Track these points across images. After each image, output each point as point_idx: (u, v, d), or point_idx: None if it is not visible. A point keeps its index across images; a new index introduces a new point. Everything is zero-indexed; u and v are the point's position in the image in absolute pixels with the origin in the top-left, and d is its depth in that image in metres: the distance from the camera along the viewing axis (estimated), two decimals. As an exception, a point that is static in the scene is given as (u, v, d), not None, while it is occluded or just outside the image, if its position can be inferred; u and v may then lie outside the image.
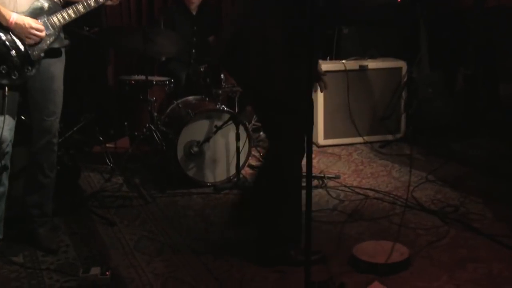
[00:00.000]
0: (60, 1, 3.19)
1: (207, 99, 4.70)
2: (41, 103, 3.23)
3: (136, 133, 4.85)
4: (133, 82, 5.04)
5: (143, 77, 4.92)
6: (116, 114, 5.20)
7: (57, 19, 3.11)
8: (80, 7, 3.15)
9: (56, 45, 3.17)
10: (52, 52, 3.18)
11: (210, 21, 5.80)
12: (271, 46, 2.94)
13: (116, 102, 5.28)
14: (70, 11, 3.14)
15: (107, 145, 4.93)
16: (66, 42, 3.25)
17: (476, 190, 4.23)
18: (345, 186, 4.39)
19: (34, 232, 3.38)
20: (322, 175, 4.48)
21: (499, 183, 4.38)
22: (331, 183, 4.43)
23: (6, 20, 2.96)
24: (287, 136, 3.06)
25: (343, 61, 5.50)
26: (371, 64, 5.56)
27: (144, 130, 4.67)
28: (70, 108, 5.37)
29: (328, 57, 5.73)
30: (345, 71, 5.40)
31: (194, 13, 5.73)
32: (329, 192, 4.25)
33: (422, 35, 5.53)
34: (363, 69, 5.51)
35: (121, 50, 5.88)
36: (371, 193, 4.23)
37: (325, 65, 5.35)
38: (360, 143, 5.50)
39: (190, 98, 4.78)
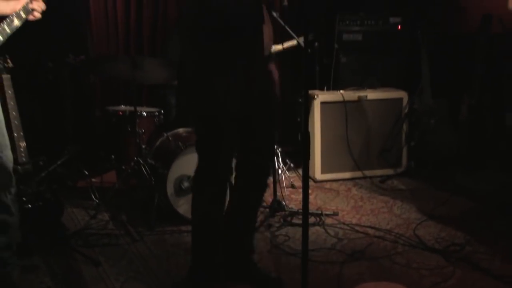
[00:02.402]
0: None
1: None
2: None
3: (123, 167, 4.84)
4: (120, 113, 5.04)
5: (131, 108, 4.93)
6: (103, 147, 5.18)
7: None
8: (6, 28, 3.11)
9: None
10: None
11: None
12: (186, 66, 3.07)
13: (103, 134, 5.28)
14: None
15: (93, 179, 4.91)
16: None
17: (483, 227, 4.23)
18: (344, 223, 4.37)
19: (7, 277, 3.28)
20: (320, 212, 4.46)
21: (508, 219, 4.36)
22: (329, 220, 4.41)
23: None
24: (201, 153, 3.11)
25: (341, 91, 5.53)
26: (371, 94, 5.58)
27: (132, 163, 4.66)
28: (54, 140, 5.41)
29: (325, 87, 5.76)
30: (343, 102, 5.43)
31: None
32: (327, 230, 4.22)
33: (424, 63, 5.60)
34: (362, 99, 5.53)
35: (108, 78, 5.88)
36: (371, 231, 4.21)
37: (323, 96, 5.40)
38: (359, 178, 5.50)
39: (181, 130, 4.77)
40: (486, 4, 6.21)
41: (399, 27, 6.09)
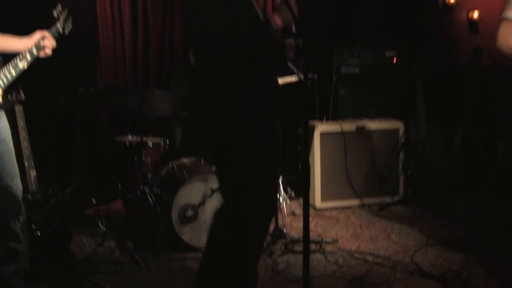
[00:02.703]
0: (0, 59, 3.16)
1: (202, 161, 4.71)
2: (0, 167, 3.17)
3: (130, 195, 4.83)
4: (127, 143, 5.05)
5: (138, 138, 4.93)
6: (110, 176, 5.19)
7: (1, 80, 3.10)
8: (19, 63, 3.16)
9: (1, 107, 3.15)
10: None
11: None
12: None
13: (110, 163, 5.28)
14: (11, 70, 3.13)
15: (100, 207, 4.89)
16: (11, 102, 3.20)
17: (478, 252, 4.20)
18: (343, 250, 4.35)
19: None
20: (320, 239, 4.44)
21: (502, 245, 4.33)
22: (329, 248, 4.39)
23: None
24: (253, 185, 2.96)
25: (340, 122, 5.53)
26: (368, 125, 5.59)
27: (138, 192, 4.65)
28: (63, 169, 5.42)
29: (325, 118, 5.77)
30: (342, 132, 5.43)
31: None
32: (327, 257, 4.20)
33: (419, 94, 5.63)
34: (360, 130, 5.55)
35: (116, 110, 5.90)
36: (370, 258, 4.19)
37: (322, 127, 5.41)
38: (358, 206, 5.49)
39: (185, 160, 4.79)
40: (476, 39, 6.26)
41: (395, 60, 6.13)
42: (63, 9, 3.47)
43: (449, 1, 6.97)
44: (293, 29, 2.99)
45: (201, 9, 2.77)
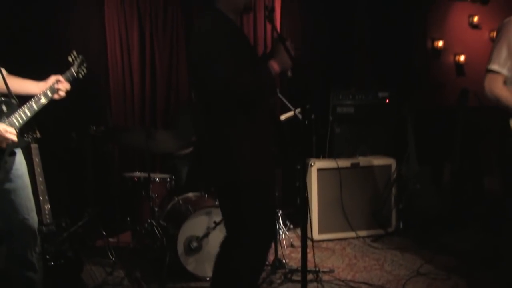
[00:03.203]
0: (16, 101, 3.18)
1: (206, 195, 4.74)
2: (18, 202, 3.21)
3: (138, 228, 4.85)
4: (136, 179, 5.10)
5: (145, 174, 4.98)
6: (119, 209, 5.22)
7: (16, 119, 3.13)
8: (33, 105, 3.20)
9: (17, 146, 3.17)
10: (13, 153, 3.17)
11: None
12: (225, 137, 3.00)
13: (120, 198, 5.31)
14: (27, 111, 3.16)
15: (110, 239, 4.93)
16: (26, 141, 3.24)
17: (467, 282, 4.22)
18: (339, 280, 4.37)
19: None
20: (317, 269, 4.45)
21: (488, 274, 4.35)
22: (326, 277, 4.41)
23: None
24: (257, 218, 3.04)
25: (336, 159, 5.58)
26: (362, 161, 5.64)
27: (146, 225, 4.68)
28: (76, 203, 5.46)
29: (321, 155, 5.82)
30: (338, 168, 5.47)
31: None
32: (324, 286, 4.22)
33: (410, 133, 5.67)
34: (354, 166, 5.59)
35: (125, 147, 5.95)
36: (364, 287, 4.21)
37: (319, 163, 5.45)
38: (353, 238, 5.50)
39: (190, 194, 4.82)
40: (462, 81, 6.37)
41: (387, 100, 6.17)
42: (77, 55, 3.56)
43: (437, 46, 7.11)
44: (289, 73, 3.08)
45: (209, 58, 2.86)
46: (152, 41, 6.12)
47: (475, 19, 7.20)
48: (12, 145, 3.10)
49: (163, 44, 6.16)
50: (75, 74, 3.51)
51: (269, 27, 6.45)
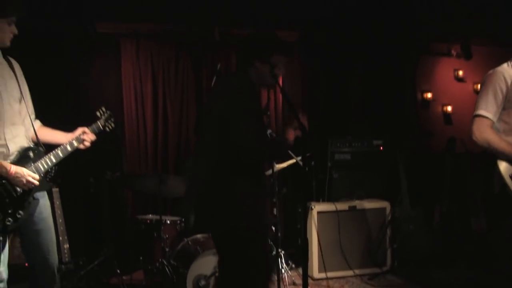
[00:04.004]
0: (43, 149, 3.29)
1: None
2: (39, 242, 3.24)
3: (150, 267, 4.84)
4: (148, 221, 5.11)
5: (157, 217, 5.00)
6: (133, 249, 5.21)
7: (42, 164, 3.21)
8: (59, 153, 3.30)
9: (42, 189, 3.24)
10: (39, 196, 3.22)
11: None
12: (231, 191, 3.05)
13: (133, 238, 5.31)
14: (52, 157, 3.26)
15: (124, 277, 4.92)
16: (51, 185, 3.31)
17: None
18: (338, 315, 4.34)
19: None
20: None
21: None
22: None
23: (7, 171, 3.03)
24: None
25: (334, 202, 5.60)
26: (359, 204, 5.66)
27: (157, 264, 4.69)
28: (92, 243, 5.46)
29: (321, 199, 5.84)
30: (336, 211, 5.49)
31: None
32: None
33: (402, 178, 5.70)
34: (352, 209, 5.61)
35: (139, 192, 5.95)
36: (362, 322, 4.19)
37: (319, 206, 5.47)
38: (351, 276, 5.48)
39: (199, 235, 4.82)
40: (450, 130, 6.42)
41: (381, 148, 6.20)
42: (105, 111, 3.67)
43: (426, 97, 7.21)
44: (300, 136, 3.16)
45: (236, 117, 2.94)
46: (164, 92, 6.22)
47: (460, 73, 7.34)
48: (36, 188, 3.16)
49: (175, 95, 6.26)
50: (101, 127, 3.61)
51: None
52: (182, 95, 6.30)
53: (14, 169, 3.05)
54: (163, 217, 5.02)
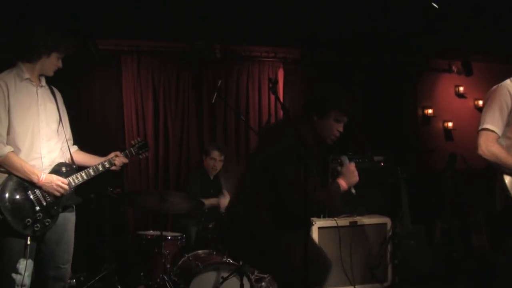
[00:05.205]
0: (76, 167, 3.51)
1: (214, 252, 4.77)
2: (57, 252, 3.40)
3: (150, 283, 4.85)
4: (149, 237, 5.12)
5: (158, 233, 5.03)
6: (134, 265, 5.21)
7: (72, 180, 3.42)
8: (90, 171, 3.51)
9: (71, 202, 3.45)
10: (67, 208, 3.44)
11: (225, 182, 5.91)
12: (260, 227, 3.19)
13: (134, 254, 5.33)
14: (83, 174, 3.48)
15: (124, 293, 4.94)
16: (79, 199, 3.53)
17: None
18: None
19: None
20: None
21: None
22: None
23: (38, 178, 3.24)
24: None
25: (335, 218, 5.61)
26: (360, 220, 5.68)
27: (158, 280, 4.70)
28: (93, 258, 5.48)
29: (322, 215, 5.86)
30: (337, 227, 5.49)
31: (211, 177, 5.90)
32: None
33: (403, 194, 5.71)
34: (353, 225, 5.63)
35: (140, 208, 5.98)
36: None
37: (320, 222, 5.49)
38: (352, 292, 5.50)
39: (200, 251, 4.84)
40: (451, 146, 6.46)
41: (382, 164, 6.23)
42: (141, 140, 3.93)
43: (427, 114, 7.26)
44: (353, 190, 3.25)
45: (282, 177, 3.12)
46: (165, 109, 6.30)
47: (461, 89, 7.41)
48: (64, 200, 3.36)
49: (175, 111, 6.33)
50: (133, 153, 3.84)
51: (272, 97, 6.60)
52: (183, 112, 6.37)
53: (45, 176, 3.27)
54: (164, 233, 5.03)
